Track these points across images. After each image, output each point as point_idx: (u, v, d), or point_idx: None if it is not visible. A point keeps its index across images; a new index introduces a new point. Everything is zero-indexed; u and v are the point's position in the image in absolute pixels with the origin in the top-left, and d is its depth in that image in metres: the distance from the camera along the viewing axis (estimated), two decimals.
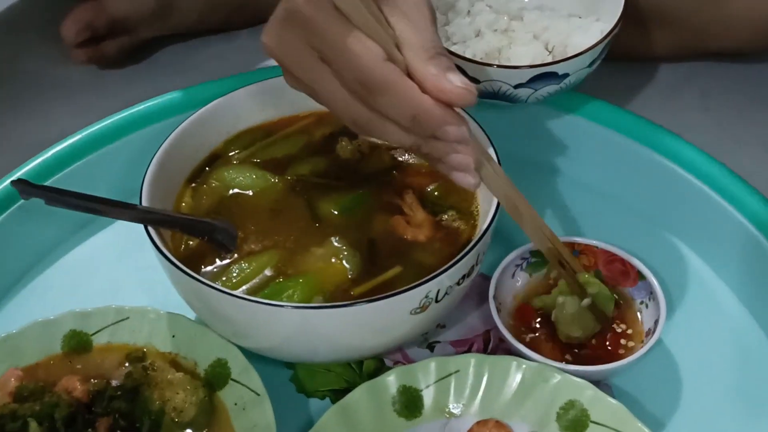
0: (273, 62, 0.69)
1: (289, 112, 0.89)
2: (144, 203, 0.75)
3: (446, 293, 0.71)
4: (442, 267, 0.71)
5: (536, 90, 0.86)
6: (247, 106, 0.87)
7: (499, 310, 0.79)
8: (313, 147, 0.86)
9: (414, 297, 0.69)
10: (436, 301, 0.71)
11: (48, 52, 1.17)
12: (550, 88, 0.86)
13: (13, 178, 0.88)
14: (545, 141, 0.95)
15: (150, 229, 0.73)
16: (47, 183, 0.90)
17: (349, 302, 0.68)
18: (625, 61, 1.09)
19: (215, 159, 0.85)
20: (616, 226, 0.89)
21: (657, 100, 1.07)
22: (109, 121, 0.95)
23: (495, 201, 0.74)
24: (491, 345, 0.82)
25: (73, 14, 1.07)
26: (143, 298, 0.86)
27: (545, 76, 0.85)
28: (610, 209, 0.92)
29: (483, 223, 0.74)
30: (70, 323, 0.79)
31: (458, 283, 0.72)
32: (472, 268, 0.73)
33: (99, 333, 0.79)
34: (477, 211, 0.80)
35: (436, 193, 0.82)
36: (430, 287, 0.69)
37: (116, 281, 0.88)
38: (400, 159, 0.85)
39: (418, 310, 0.70)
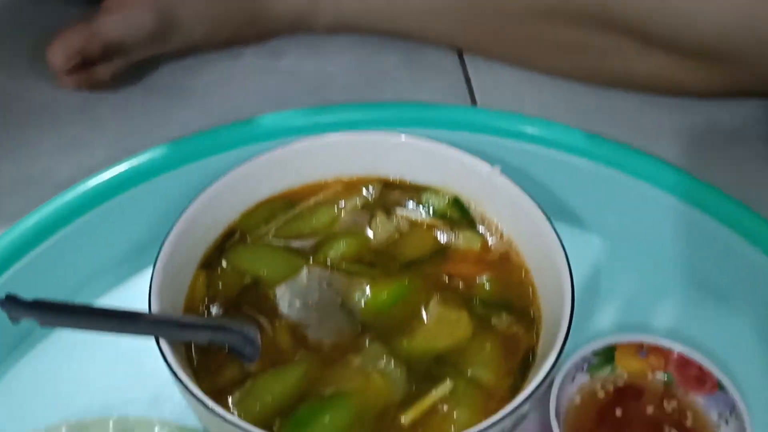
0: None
1: (313, 178, 0.77)
2: (154, 305, 0.64)
3: (511, 428, 0.61)
4: (504, 386, 0.63)
5: None
6: (268, 173, 0.75)
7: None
8: (344, 223, 0.75)
9: None
10: None
11: (29, 72, 1.04)
12: None
13: None
14: (614, 208, 0.84)
15: (162, 343, 0.62)
16: (19, 264, 0.77)
17: None
18: (675, 96, 0.98)
19: (231, 236, 0.74)
20: (692, 316, 0.78)
21: (714, 147, 0.96)
22: (104, 175, 0.83)
23: (566, 305, 0.64)
24: None
25: (61, 38, 0.93)
26: (144, 397, 0.74)
27: None
28: (684, 296, 0.81)
29: (556, 337, 0.63)
30: None
31: (524, 415, 0.62)
32: (540, 395, 0.63)
33: None
34: (539, 314, 0.69)
35: (487, 287, 0.71)
36: (497, 428, 0.59)
37: (109, 378, 0.76)
38: (444, 241, 0.74)
39: None
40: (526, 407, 0.60)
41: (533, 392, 0.60)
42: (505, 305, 0.70)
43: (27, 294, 0.55)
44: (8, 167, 0.95)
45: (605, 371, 0.74)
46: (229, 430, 0.59)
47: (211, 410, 0.58)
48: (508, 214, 0.73)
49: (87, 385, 0.75)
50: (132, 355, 0.77)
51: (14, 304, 0.56)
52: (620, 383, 0.74)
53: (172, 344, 0.63)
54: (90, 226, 0.82)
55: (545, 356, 0.62)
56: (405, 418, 0.63)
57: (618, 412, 0.72)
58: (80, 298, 0.80)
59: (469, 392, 0.65)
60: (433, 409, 0.64)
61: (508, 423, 0.59)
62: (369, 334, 0.68)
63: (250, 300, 0.70)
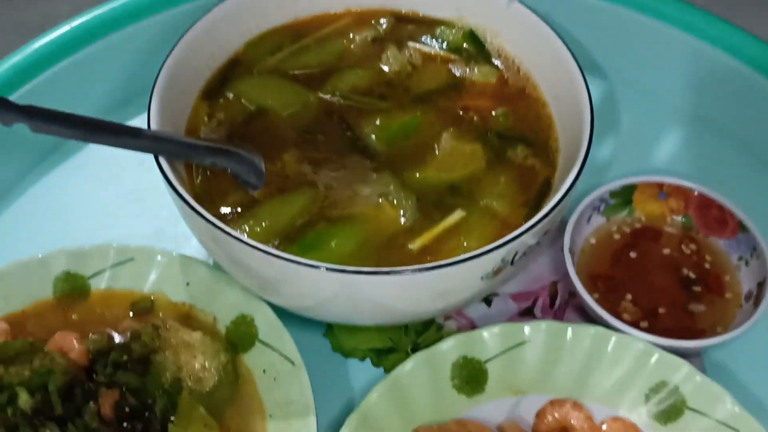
0: None
1: (322, 8, 0.74)
2: (153, 126, 0.61)
3: (524, 254, 0.59)
4: (519, 217, 0.60)
5: None
6: (275, 1, 0.71)
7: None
8: (354, 56, 0.72)
9: (488, 262, 0.56)
10: (511, 264, 0.58)
11: None
12: None
13: None
14: (631, 52, 0.80)
15: (162, 161, 0.59)
16: (21, 91, 0.74)
17: (407, 268, 0.55)
18: None
19: (235, 66, 0.70)
20: (715, 163, 0.75)
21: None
22: (100, 10, 0.79)
23: (585, 134, 0.61)
24: (558, 300, 0.70)
25: None
26: (146, 232, 0.72)
27: None
28: (708, 142, 0.78)
29: (571, 167, 0.60)
30: (63, 264, 0.66)
31: (538, 243, 0.59)
32: (556, 222, 0.60)
33: (97, 276, 0.67)
34: (556, 146, 0.66)
35: (502, 120, 0.68)
36: (508, 250, 0.56)
37: (111, 213, 0.75)
38: (459, 75, 0.71)
39: (490, 275, 0.58)
40: (535, 234, 0.57)
41: (545, 216, 0.57)
42: (522, 138, 0.67)
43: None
44: (3, 7, 0.91)
45: (622, 214, 0.71)
46: (230, 247, 0.57)
47: (212, 223, 0.56)
48: (526, 46, 0.69)
49: (89, 220, 0.74)
50: (136, 195, 0.75)
51: (5, 106, 0.53)
52: (637, 226, 0.71)
53: (173, 165, 0.60)
54: (82, 65, 0.79)
55: (561, 186, 0.60)
56: (414, 245, 0.61)
57: (633, 255, 0.70)
58: None
59: (482, 222, 0.62)
60: (443, 237, 0.61)
61: (517, 248, 0.57)
62: (379, 165, 0.65)
63: (255, 130, 0.67)
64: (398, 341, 0.67)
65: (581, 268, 0.68)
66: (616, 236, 0.71)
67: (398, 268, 0.55)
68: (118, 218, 0.74)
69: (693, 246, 0.70)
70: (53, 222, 0.73)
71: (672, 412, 0.60)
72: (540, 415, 0.62)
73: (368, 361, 0.67)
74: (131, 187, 0.76)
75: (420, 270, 0.55)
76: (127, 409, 0.58)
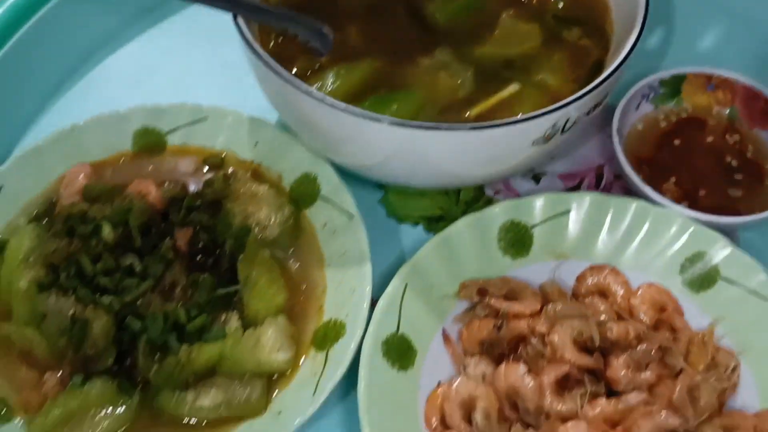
0: None
1: None
2: None
3: (574, 123, 0.62)
4: (571, 92, 0.62)
5: None
6: None
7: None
8: None
9: (540, 126, 0.60)
10: (562, 132, 0.62)
11: None
12: None
13: None
14: None
15: (240, 20, 0.63)
16: None
17: (465, 125, 0.59)
18: None
19: None
20: (763, 58, 0.78)
21: None
22: None
23: (639, 17, 0.63)
24: (604, 181, 0.74)
25: None
26: (218, 96, 0.77)
27: None
28: (756, 37, 0.80)
29: (623, 46, 0.63)
30: (141, 119, 0.71)
31: (588, 113, 0.63)
32: (605, 96, 0.64)
33: (173, 133, 0.72)
34: (611, 28, 0.69)
35: (560, 5, 0.71)
36: (559, 116, 0.60)
37: (187, 76, 0.80)
38: None
39: (541, 141, 0.61)
40: (584, 104, 0.60)
41: (596, 87, 0.60)
42: (577, 20, 0.70)
43: None
44: None
45: (670, 104, 0.74)
46: (299, 102, 0.61)
47: (284, 78, 0.60)
48: None
49: (165, 84, 0.79)
50: (208, 67, 0.80)
51: None
52: (683, 115, 0.74)
53: (249, 26, 0.64)
54: None
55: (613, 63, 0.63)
56: (470, 113, 0.65)
57: (677, 142, 0.73)
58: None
59: (535, 94, 0.66)
60: (498, 108, 0.65)
61: (567, 116, 0.60)
62: (439, 40, 0.68)
63: (324, 2, 0.71)
64: (449, 210, 0.72)
65: (627, 151, 0.71)
66: (663, 124, 0.74)
67: (456, 124, 0.59)
68: (191, 87, 0.79)
69: (736, 137, 0.73)
70: (130, 84, 0.78)
71: (705, 280, 0.64)
72: (580, 278, 0.66)
73: (420, 226, 0.71)
74: (205, 60, 0.81)
75: (476, 128, 0.58)
76: (200, 245, 0.63)
